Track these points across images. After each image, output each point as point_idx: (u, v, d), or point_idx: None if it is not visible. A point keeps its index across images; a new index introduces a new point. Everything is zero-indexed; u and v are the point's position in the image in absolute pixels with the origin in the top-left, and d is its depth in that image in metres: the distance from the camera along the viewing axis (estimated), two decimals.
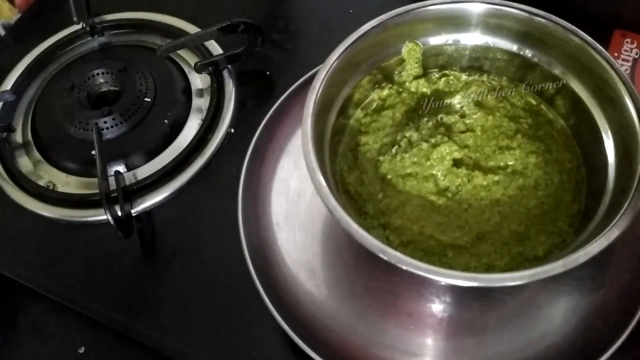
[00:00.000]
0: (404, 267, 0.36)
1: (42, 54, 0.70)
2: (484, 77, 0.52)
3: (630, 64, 0.62)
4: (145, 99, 0.62)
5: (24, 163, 0.62)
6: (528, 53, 0.49)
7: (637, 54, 0.63)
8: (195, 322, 0.51)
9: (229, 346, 0.49)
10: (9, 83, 0.68)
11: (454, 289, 0.46)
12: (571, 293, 0.47)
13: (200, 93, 0.65)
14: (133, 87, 0.62)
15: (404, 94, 0.51)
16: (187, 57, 0.68)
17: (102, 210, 0.53)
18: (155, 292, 0.53)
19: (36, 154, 0.63)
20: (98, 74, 0.65)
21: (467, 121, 0.49)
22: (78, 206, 0.57)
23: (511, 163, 0.47)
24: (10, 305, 0.57)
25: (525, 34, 0.47)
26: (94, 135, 0.59)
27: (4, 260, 0.56)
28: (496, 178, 0.45)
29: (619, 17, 0.65)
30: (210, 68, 0.64)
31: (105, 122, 0.60)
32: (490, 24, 0.48)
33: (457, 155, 0.46)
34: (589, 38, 0.44)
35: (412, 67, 0.51)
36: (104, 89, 0.65)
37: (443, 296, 0.46)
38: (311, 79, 0.44)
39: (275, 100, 0.57)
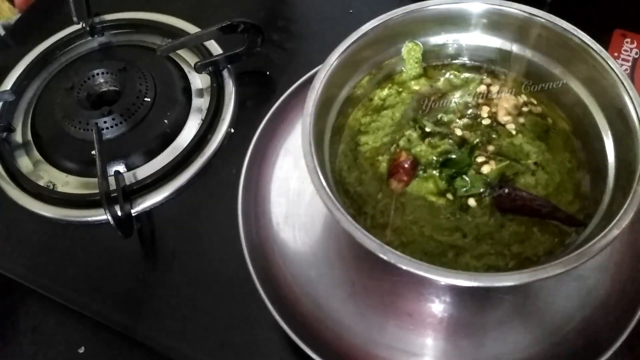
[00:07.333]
0: (404, 267, 0.36)
1: (42, 54, 0.70)
2: (484, 77, 0.52)
3: (630, 63, 0.62)
4: (145, 99, 0.62)
5: (24, 163, 0.63)
6: (528, 53, 0.49)
7: (637, 53, 0.63)
8: (195, 322, 0.51)
9: (229, 346, 0.49)
10: (9, 83, 0.68)
11: (454, 289, 0.46)
12: (571, 293, 0.46)
13: (200, 93, 0.65)
14: (133, 87, 0.62)
15: (404, 94, 0.51)
16: (187, 57, 0.68)
17: (102, 210, 0.53)
18: (155, 292, 0.53)
19: (36, 154, 0.63)
20: (98, 74, 0.65)
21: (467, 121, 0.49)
22: (78, 206, 0.58)
23: None
24: (10, 305, 0.57)
25: (525, 34, 0.47)
26: (94, 135, 0.59)
27: (4, 260, 0.56)
28: None
29: (619, 17, 0.65)
30: (210, 68, 0.64)
31: (105, 122, 0.60)
32: (490, 24, 0.48)
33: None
34: (588, 38, 0.44)
35: (412, 67, 0.51)
36: (104, 89, 0.65)
37: (443, 296, 0.46)
38: (311, 79, 0.44)
39: (275, 100, 0.57)
